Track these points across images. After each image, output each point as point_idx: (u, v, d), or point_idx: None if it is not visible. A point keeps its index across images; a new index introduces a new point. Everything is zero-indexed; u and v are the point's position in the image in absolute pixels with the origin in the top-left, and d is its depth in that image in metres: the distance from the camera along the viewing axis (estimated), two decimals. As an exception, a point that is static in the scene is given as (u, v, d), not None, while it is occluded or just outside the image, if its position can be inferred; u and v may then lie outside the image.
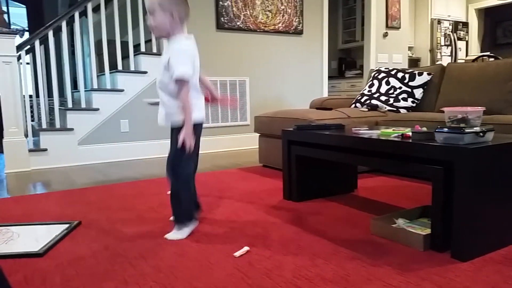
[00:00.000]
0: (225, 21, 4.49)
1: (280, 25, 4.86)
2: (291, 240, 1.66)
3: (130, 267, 1.44)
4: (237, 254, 1.51)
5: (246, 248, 1.55)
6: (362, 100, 3.42)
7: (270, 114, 3.25)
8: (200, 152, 1.83)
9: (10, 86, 3.46)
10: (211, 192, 2.53)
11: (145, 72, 4.05)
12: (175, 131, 1.68)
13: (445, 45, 6.95)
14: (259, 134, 3.38)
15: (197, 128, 1.71)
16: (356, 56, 7.10)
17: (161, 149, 4.07)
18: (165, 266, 1.44)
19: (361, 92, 3.57)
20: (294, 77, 5.06)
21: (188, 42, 1.67)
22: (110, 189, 2.72)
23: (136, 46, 4.19)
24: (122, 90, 3.98)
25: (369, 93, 3.45)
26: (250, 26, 4.65)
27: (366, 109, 3.23)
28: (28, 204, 2.39)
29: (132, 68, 4.06)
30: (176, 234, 1.72)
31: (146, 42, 4.16)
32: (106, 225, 1.94)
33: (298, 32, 5.01)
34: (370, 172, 3.05)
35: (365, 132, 1.94)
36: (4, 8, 4.22)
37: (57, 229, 1.85)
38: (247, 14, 4.61)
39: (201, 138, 1.79)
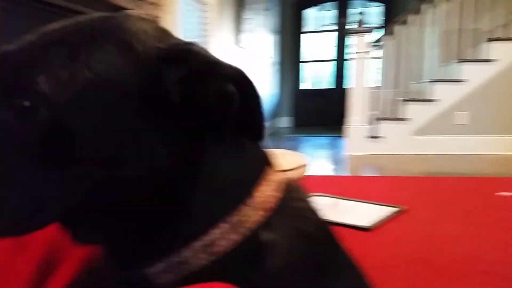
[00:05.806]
0: None
1: None
2: None
3: (450, 263, 1.37)
4: None
5: None
6: None
7: None
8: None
9: (359, 79, 3.90)
10: None
11: (495, 60, 3.63)
12: None
13: None
14: None
15: None
16: None
17: (506, 145, 3.59)
18: (493, 273, 1.28)
19: None
20: None
21: None
22: (438, 181, 2.65)
23: (487, 33, 3.80)
24: (464, 80, 3.73)
25: None
26: None
27: None
28: (362, 184, 2.66)
29: (479, 56, 3.73)
30: None
31: (501, 27, 3.71)
32: (429, 216, 1.92)
33: None
34: None
35: None
36: (364, 9, 4.80)
37: (384, 210, 1.97)
38: None
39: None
